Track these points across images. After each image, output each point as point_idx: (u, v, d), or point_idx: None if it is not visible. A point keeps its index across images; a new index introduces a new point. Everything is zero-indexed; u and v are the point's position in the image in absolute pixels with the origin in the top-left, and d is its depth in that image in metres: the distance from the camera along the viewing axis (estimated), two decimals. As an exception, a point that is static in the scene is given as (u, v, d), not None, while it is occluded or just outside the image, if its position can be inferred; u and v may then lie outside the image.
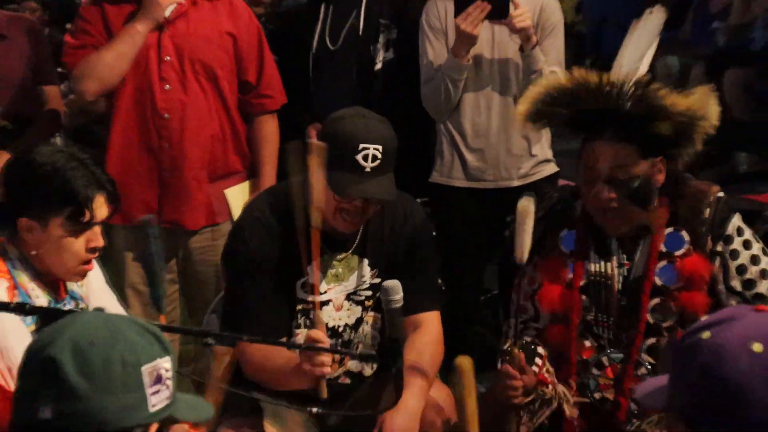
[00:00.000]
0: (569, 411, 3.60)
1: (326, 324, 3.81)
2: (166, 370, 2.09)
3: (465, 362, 2.52)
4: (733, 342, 1.81)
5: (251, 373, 3.77)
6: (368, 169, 3.58)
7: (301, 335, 3.83)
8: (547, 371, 3.61)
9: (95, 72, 4.71)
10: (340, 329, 3.91)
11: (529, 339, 3.72)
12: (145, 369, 2.04)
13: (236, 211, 4.63)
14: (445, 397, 3.89)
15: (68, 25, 6.31)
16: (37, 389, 2.01)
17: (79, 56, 4.78)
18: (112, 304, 3.68)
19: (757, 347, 1.77)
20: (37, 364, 2.04)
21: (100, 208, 3.36)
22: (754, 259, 3.62)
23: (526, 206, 3.57)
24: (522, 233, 3.56)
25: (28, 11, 9.09)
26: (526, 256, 3.59)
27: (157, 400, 2.07)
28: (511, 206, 4.01)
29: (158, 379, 2.07)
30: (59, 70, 5.71)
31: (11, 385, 2.57)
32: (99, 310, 2.54)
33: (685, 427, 1.87)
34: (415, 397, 3.66)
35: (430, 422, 3.79)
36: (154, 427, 2.11)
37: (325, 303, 3.85)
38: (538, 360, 3.61)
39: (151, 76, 4.77)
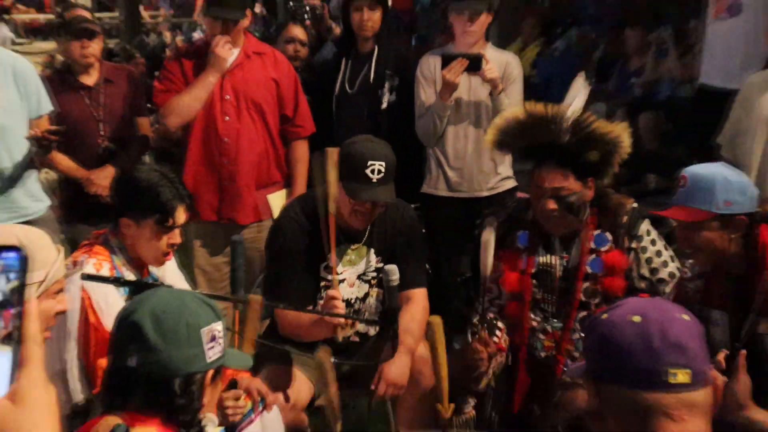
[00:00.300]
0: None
1: (343, 297, 3.79)
2: (219, 332, 2.20)
3: (435, 320, 2.52)
4: (620, 317, 1.87)
5: (286, 331, 3.78)
6: (375, 180, 3.61)
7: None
8: (504, 341, 3.63)
9: (177, 110, 4.73)
10: (352, 301, 3.91)
11: (491, 315, 3.74)
12: (204, 330, 2.17)
13: (276, 211, 4.61)
14: (427, 353, 3.82)
15: (156, 73, 6.32)
16: (126, 344, 2.14)
17: (164, 98, 4.79)
18: (181, 282, 3.74)
19: (636, 318, 1.83)
20: (126, 327, 2.16)
21: (180, 216, 3.42)
22: (658, 253, 3.65)
23: (488, 238, 3.69)
24: (486, 256, 3.68)
25: (134, 63, 9.10)
26: (489, 271, 3.69)
27: (212, 353, 2.17)
28: (480, 211, 4.21)
29: (213, 338, 2.18)
30: (149, 106, 5.65)
31: None
32: (169, 287, 2.70)
33: (593, 386, 1.89)
34: (407, 351, 3.68)
35: (418, 371, 3.76)
36: (210, 372, 2.18)
37: (341, 281, 3.83)
38: (498, 332, 3.64)
39: (214, 111, 4.76)
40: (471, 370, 3.56)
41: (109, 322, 3.06)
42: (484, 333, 3.56)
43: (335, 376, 3.39)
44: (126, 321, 2.17)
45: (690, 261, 3.45)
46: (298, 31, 6.16)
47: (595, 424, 1.91)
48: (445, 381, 2.63)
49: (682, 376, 1.77)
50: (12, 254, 1.13)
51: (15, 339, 1.11)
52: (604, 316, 1.92)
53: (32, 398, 1.11)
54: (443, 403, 2.83)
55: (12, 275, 1.12)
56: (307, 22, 7.67)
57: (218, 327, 2.20)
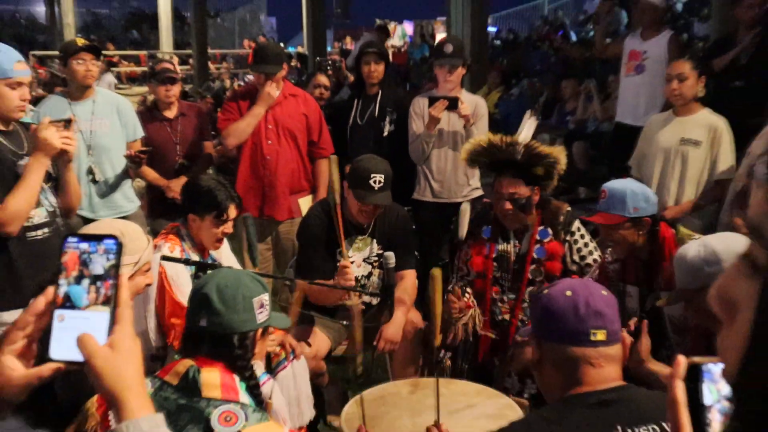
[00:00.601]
0: (480, 324, 3.64)
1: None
2: (266, 300, 2.20)
3: (436, 272, 2.50)
4: (557, 291, 1.89)
5: (313, 298, 3.74)
6: (376, 188, 3.62)
7: None
8: (472, 301, 3.65)
9: (234, 134, 4.71)
10: (359, 278, 3.88)
11: (462, 284, 3.73)
12: (255, 300, 2.17)
13: (304, 211, 4.50)
14: (416, 317, 3.87)
15: (219, 109, 6.33)
16: (198, 310, 2.14)
17: (225, 125, 4.77)
18: (233, 261, 3.71)
19: (568, 293, 1.86)
20: (198, 297, 2.16)
21: (232, 212, 3.42)
22: (585, 245, 3.66)
23: (465, 208, 4.07)
24: (462, 223, 3.95)
25: (203, 102, 9.07)
26: (464, 234, 3.91)
27: (261, 317, 2.18)
28: (456, 212, 4.36)
29: (261, 305, 2.18)
30: (213, 133, 5.62)
31: (184, 303, 2.63)
32: (229, 267, 2.72)
33: (536, 342, 1.91)
34: (400, 316, 3.67)
35: (407, 331, 3.74)
36: (259, 331, 2.18)
37: (351, 263, 3.78)
38: (467, 295, 3.66)
39: (260, 136, 4.73)
40: (446, 321, 3.57)
41: (178, 291, 3.20)
42: (458, 290, 3.61)
43: (361, 323, 3.43)
44: (198, 292, 2.17)
45: (610, 249, 3.45)
46: (323, 79, 6.18)
47: (537, 370, 1.94)
48: (439, 319, 2.61)
49: (600, 335, 1.82)
50: (111, 241, 1.15)
51: (112, 303, 1.12)
52: (545, 291, 1.93)
53: (124, 347, 1.12)
54: (436, 336, 2.80)
55: (111, 256, 1.14)
56: (329, 72, 7.66)
57: (265, 297, 2.20)
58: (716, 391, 0.76)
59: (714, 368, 0.77)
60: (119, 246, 1.15)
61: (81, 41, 4.56)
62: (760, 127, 4.33)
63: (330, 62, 8.41)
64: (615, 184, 3.26)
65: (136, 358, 1.14)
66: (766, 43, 5.16)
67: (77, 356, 1.11)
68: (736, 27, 5.38)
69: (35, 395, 1.19)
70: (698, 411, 0.77)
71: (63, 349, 1.11)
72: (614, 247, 3.32)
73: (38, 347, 1.16)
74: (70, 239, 1.15)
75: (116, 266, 1.14)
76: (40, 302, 1.14)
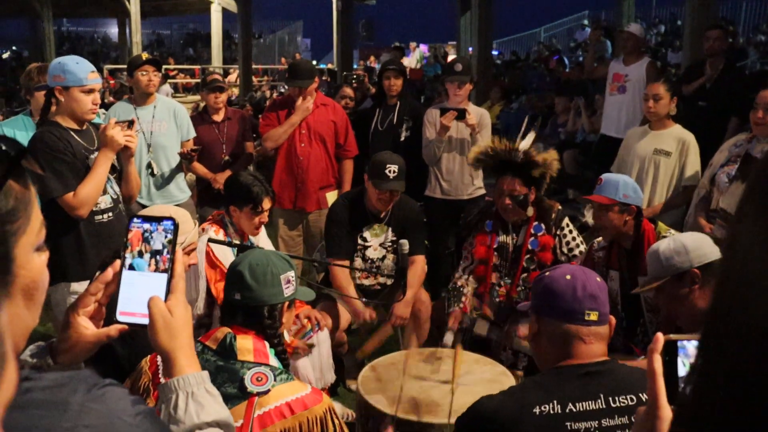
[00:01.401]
0: (479, 327, 3.63)
1: (369, 257, 3.82)
2: (292, 277, 2.13)
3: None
4: (558, 274, 1.85)
5: (334, 278, 3.72)
6: (391, 177, 3.61)
7: (357, 260, 3.84)
8: (468, 304, 3.62)
9: (272, 138, 4.66)
10: (376, 260, 3.85)
11: (461, 283, 3.70)
12: (282, 276, 2.10)
13: (330, 202, 4.45)
14: (425, 296, 3.84)
15: (260, 116, 6.29)
16: (233, 285, 2.10)
17: (265, 130, 4.73)
18: (269, 245, 3.69)
19: (568, 276, 1.82)
20: (233, 274, 2.12)
21: (267, 204, 3.39)
22: (573, 239, 3.63)
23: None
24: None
25: (245, 109, 9.00)
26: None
27: (288, 291, 2.11)
28: (463, 208, 4.37)
29: (288, 281, 2.11)
30: (254, 135, 5.57)
31: None
32: (260, 248, 2.57)
33: (535, 317, 1.87)
34: (410, 296, 3.63)
35: (417, 308, 3.73)
36: (286, 303, 2.12)
37: (369, 246, 3.79)
38: (463, 298, 3.62)
39: (295, 139, 4.68)
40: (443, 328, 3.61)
41: (224, 265, 3.20)
42: (456, 312, 3.55)
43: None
44: (233, 270, 2.13)
45: (597, 239, 3.42)
46: (348, 91, 6.12)
47: (534, 342, 1.90)
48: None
49: (593, 316, 1.79)
50: (169, 221, 1.16)
51: (168, 273, 1.14)
52: (547, 273, 1.89)
53: (179, 313, 1.14)
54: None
55: (168, 234, 1.15)
56: (355, 85, 7.62)
57: (291, 274, 2.14)
58: (690, 365, 0.76)
59: (688, 344, 0.77)
60: (176, 226, 1.16)
61: (145, 55, 4.57)
62: (721, 142, 4.34)
63: (355, 77, 8.35)
64: (610, 175, 3.34)
65: (188, 323, 1.16)
66: (727, 69, 5.29)
67: (140, 320, 1.14)
68: (703, 57, 5.45)
69: (100, 354, 1.22)
70: (674, 381, 0.76)
71: (128, 312, 1.15)
72: (602, 231, 3.29)
73: (106, 311, 1.19)
74: (135, 220, 1.17)
75: (173, 242, 1.15)
76: (108, 272, 1.16)
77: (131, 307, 1.14)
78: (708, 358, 0.47)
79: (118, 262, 1.15)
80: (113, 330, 1.16)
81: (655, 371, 0.77)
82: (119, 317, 1.15)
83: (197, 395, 1.10)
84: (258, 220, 3.39)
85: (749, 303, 0.41)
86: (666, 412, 0.76)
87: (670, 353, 0.77)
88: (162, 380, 1.16)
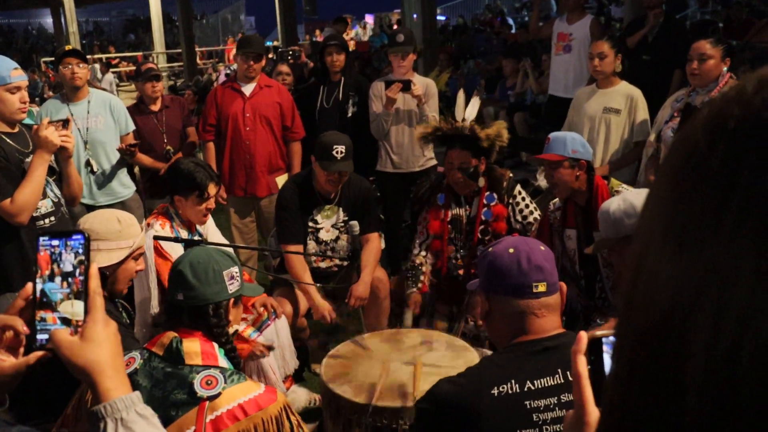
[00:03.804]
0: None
1: (322, 239, 3.75)
2: (236, 273, 2.06)
3: None
4: (501, 249, 1.80)
5: (289, 265, 3.62)
6: (339, 158, 3.52)
7: (311, 243, 3.78)
8: (427, 282, 3.63)
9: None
10: (329, 242, 3.78)
11: (419, 261, 3.68)
12: (225, 273, 2.03)
13: (281, 186, 4.36)
14: (382, 275, 3.78)
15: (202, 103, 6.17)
16: (175, 285, 2.04)
17: (203, 134, 4.75)
18: (218, 235, 3.61)
19: (511, 250, 1.77)
20: (174, 274, 2.06)
21: (212, 190, 3.28)
22: (527, 206, 3.61)
23: None
24: None
25: (187, 96, 8.76)
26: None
27: (232, 287, 2.04)
28: (414, 180, 4.24)
29: (231, 277, 2.05)
30: (194, 119, 5.44)
31: None
32: (202, 245, 2.55)
33: (484, 296, 1.83)
34: (367, 276, 3.57)
35: (376, 287, 3.66)
36: (231, 300, 2.05)
37: (321, 228, 3.72)
38: (422, 277, 3.61)
39: (239, 123, 4.59)
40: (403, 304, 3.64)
41: (173, 258, 3.10)
42: (415, 295, 3.57)
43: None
44: (175, 270, 2.06)
45: (553, 201, 3.41)
46: (285, 68, 5.98)
47: (487, 321, 1.85)
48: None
49: (541, 287, 1.75)
50: (79, 236, 1.08)
51: (83, 296, 1.07)
52: (490, 249, 1.84)
53: (94, 335, 1.05)
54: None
55: (79, 251, 1.07)
56: (291, 61, 7.48)
57: (235, 269, 2.07)
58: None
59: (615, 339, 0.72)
60: (87, 241, 1.08)
61: (68, 47, 4.39)
62: (666, 95, 4.36)
63: (291, 52, 8.17)
64: (558, 133, 3.30)
65: (109, 342, 1.07)
66: (668, 22, 5.28)
67: None
68: (644, 10, 5.44)
69: (24, 388, 1.15)
70: (601, 381, 0.73)
71: (45, 338, 1.08)
72: (556, 190, 3.26)
73: (26, 338, 1.10)
74: (42, 239, 1.09)
75: (84, 261, 1.08)
76: (18, 300, 1.09)
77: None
78: (615, 353, 0.45)
79: (29, 286, 1.08)
80: (32, 357, 1.09)
81: (580, 374, 0.74)
82: (37, 344, 1.08)
83: (127, 421, 1.04)
84: (205, 207, 3.29)
85: (646, 294, 0.40)
86: (594, 416, 0.72)
87: (595, 352, 0.73)
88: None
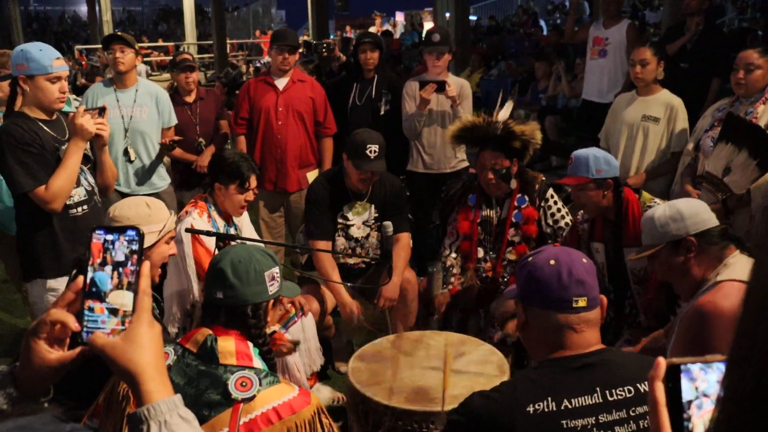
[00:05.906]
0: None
1: (353, 236, 3.73)
2: (277, 273, 2.06)
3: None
4: (542, 260, 1.72)
5: (317, 262, 3.62)
6: (372, 157, 3.49)
7: (340, 239, 3.74)
8: (458, 284, 3.60)
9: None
10: (360, 239, 3.75)
11: (450, 263, 3.66)
12: (266, 273, 2.01)
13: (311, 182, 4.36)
14: (411, 276, 3.74)
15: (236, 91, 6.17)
16: (215, 283, 1.99)
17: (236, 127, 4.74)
18: (251, 229, 3.64)
19: (552, 262, 1.70)
20: (214, 271, 2.01)
21: (253, 182, 3.33)
22: (558, 210, 3.58)
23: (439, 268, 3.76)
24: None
25: (217, 88, 8.81)
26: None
27: (272, 288, 2.02)
28: (445, 181, 4.11)
29: (272, 278, 2.03)
30: (229, 112, 5.43)
31: None
32: (242, 243, 2.49)
33: (521, 307, 1.77)
34: (397, 276, 3.54)
35: (404, 288, 3.64)
36: (271, 302, 2.03)
37: (352, 225, 3.70)
38: (452, 279, 3.60)
39: (271, 117, 4.58)
40: (430, 305, 3.64)
41: (209, 247, 3.16)
42: (445, 296, 3.59)
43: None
44: (214, 267, 2.01)
45: (581, 212, 3.34)
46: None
47: (524, 332, 1.79)
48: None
49: (582, 302, 1.67)
50: (132, 231, 1.08)
51: (133, 291, 1.06)
52: (530, 258, 1.75)
53: (138, 336, 1.04)
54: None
55: (133, 245, 1.07)
56: (324, 54, 7.48)
57: (276, 270, 2.03)
58: (694, 389, 0.70)
59: (693, 367, 0.70)
60: (140, 236, 1.07)
61: (118, 33, 4.45)
62: (703, 103, 4.27)
63: (324, 45, 8.17)
64: (579, 152, 3.18)
65: (152, 344, 1.05)
66: (707, 29, 5.17)
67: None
68: (683, 16, 5.34)
69: (70, 375, 1.12)
70: (678, 409, 0.70)
71: (92, 332, 1.06)
72: (584, 208, 3.21)
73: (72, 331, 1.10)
74: (97, 231, 1.08)
75: (137, 253, 1.06)
76: (69, 293, 1.08)
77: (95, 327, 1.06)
78: (733, 381, 0.44)
79: (80, 279, 1.06)
80: (77, 352, 1.07)
81: (658, 401, 0.71)
82: (84, 338, 1.06)
83: (170, 424, 1.02)
84: (244, 198, 3.31)
85: None
86: None
87: (673, 379, 0.70)
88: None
